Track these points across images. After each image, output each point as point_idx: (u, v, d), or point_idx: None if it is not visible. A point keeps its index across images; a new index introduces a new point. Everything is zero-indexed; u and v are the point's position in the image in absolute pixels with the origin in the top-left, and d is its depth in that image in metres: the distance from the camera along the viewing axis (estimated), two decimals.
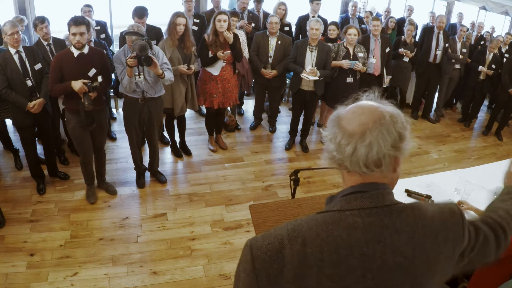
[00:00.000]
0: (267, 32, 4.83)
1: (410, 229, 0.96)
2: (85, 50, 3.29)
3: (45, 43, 3.95)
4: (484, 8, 7.84)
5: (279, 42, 4.83)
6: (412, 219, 0.97)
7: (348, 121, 0.95)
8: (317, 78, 4.43)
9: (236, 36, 4.35)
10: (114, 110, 5.55)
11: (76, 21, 3.15)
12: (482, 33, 6.90)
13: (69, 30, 3.20)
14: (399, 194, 2.61)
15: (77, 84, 3.17)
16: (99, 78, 3.34)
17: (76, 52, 3.26)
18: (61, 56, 3.28)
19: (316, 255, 0.91)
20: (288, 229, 0.94)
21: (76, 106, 3.32)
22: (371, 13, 6.34)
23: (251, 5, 5.79)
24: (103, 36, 4.94)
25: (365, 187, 0.97)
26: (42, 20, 3.91)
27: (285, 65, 4.80)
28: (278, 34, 4.84)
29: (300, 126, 5.02)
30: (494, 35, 6.78)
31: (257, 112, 5.44)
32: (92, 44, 4.23)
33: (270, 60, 4.88)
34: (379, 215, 0.95)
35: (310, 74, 4.40)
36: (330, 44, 4.72)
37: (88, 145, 3.58)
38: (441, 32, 5.78)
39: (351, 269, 0.92)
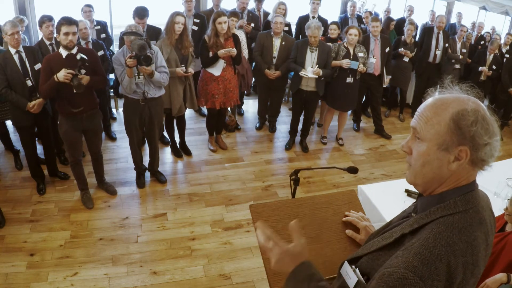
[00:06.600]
0: (271, 33, 4.81)
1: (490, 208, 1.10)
2: (74, 50, 3.23)
3: (47, 42, 3.95)
4: (484, 8, 7.84)
5: (283, 43, 4.81)
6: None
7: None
8: (316, 76, 4.43)
9: (236, 39, 4.35)
10: (114, 110, 5.55)
11: (69, 21, 3.11)
12: (482, 33, 6.90)
13: (59, 30, 3.14)
14: (399, 194, 2.61)
15: (60, 74, 3.10)
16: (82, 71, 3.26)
17: (64, 53, 3.20)
18: (50, 58, 3.25)
19: (469, 261, 0.96)
20: (443, 245, 0.93)
21: (68, 109, 3.29)
22: (370, 13, 6.34)
23: (251, 5, 5.78)
24: (103, 36, 4.93)
25: (475, 183, 1.04)
26: (50, 18, 3.92)
27: (286, 65, 4.79)
28: (282, 34, 4.82)
29: (300, 126, 5.02)
30: (495, 35, 6.78)
31: (262, 112, 5.43)
32: (90, 45, 4.24)
33: (274, 61, 4.85)
34: (487, 206, 1.07)
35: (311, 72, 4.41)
36: (331, 44, 4.72)
37: (79, 147, 3.58)
38: (441, 32, 5.78)
39: (483, 261, 1.01)
